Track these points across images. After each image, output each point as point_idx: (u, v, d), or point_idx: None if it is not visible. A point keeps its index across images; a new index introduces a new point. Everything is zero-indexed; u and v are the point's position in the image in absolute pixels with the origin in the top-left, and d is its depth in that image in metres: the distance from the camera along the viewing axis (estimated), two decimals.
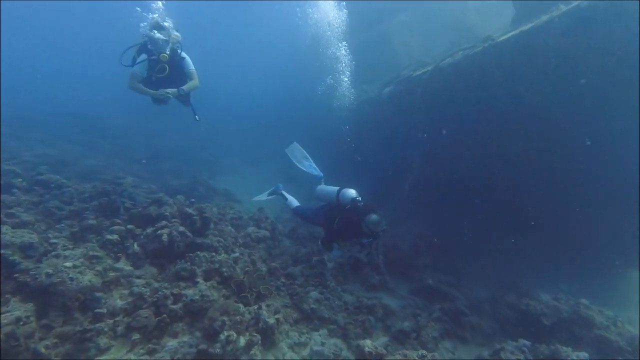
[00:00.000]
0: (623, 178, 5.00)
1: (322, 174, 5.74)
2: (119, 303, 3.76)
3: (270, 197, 6.29)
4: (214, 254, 4.71)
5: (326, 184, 5.50)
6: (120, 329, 3.47)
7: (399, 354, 3.67)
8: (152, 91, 5.09)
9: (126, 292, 3.97)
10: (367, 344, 3.70)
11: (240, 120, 23.46)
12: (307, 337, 4.48)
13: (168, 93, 5.07)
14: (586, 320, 4.39)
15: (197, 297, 3.92)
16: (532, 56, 4.86)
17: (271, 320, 4.03)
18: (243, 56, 41.63)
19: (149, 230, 4.78)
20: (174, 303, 3.85)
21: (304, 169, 5.90)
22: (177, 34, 5.14)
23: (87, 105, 22.92)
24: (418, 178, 7.79)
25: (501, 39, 5.45)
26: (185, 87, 5.26)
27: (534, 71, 4.97)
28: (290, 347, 4.23)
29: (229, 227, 6.08)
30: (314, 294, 5.16)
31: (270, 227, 7.01)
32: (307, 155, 6.00)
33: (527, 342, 4.24)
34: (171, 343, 3.46)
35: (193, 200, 5.60)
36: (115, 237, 4.57)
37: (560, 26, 4.41)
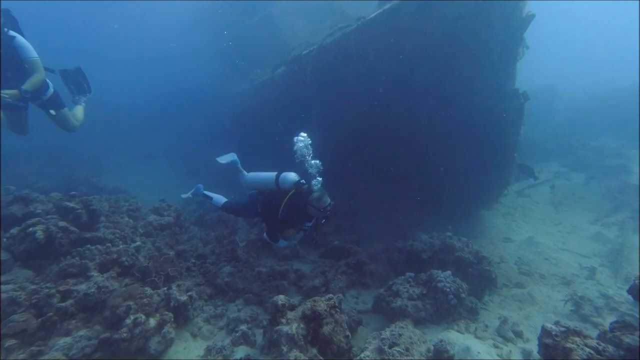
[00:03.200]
0: (476, 142, 6.28)
1: (236, 156, 5.45)
2: None
3: (197, 198, 5.73)
4: (109, 244, 4.36)
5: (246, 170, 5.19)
6: None
7: (309, 301, 4.07)
8: None
9: None
10: (280, 298, 4.00)
11: (125, 118, 20.93)
12: (223, 308, 4.58)
13: (5, 95, 3.94)
14: (449, 247, 5.54)
15: (92, 290, 3.62)
16: (392, 30, 5.69)
17: (183, 298, 4.01)
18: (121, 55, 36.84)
19: (14, 230, 4.09)
20: (62, 301, 3.48)
21: (222, 161, 5.50)
22: None
23: None
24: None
25: (370, 17, 6.19)
26: (27, 86, 4.13)
27: (397, 42, 5.83)
28: (206, 320, 4.28)
29: (126, 219, 5.63)
30: (227, 268, 5.24)
31: (174, 213, 6.70)
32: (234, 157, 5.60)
33: (411, 274, 5.12)
34: (63, 341, 3.17)
35: (74, 193, 4.94)
36: None
37: (410, 5, 5.29)
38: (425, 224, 7.73)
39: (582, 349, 2.50)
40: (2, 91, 3.96)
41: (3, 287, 3.29)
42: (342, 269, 6.22)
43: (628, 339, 2.47)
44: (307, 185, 4.31)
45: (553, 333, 2.70)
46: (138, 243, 4.84)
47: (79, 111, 5.63)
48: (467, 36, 5.10)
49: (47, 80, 4.76)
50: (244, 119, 12.13)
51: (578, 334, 2.67)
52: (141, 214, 6.47)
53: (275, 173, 4.58)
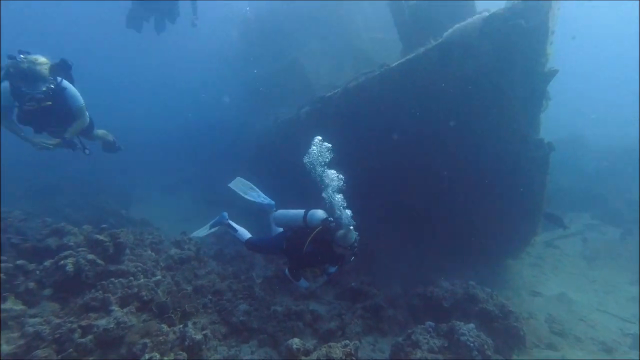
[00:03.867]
0: (500, 188, 6.21)
1: (273, 202, 5.41)
2: (6, 348, 3.31)
3: (214, 229, 5.69)
4: (131, 278, 4.46)
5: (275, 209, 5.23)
6: None
7: (325, 346, 3.96)
8: (29, 138, 4.38)
9: (16, 334, 3.50)
10: (295, 342, 3.92)
11: (151, 148, 22.01)
12: (237, 350, 4.51)
13: (49, 145, 4.39)
14: (472, 297, 5.30)
15: (111, 326, 3.67)
16: (416, 78, 5.89)
17: (198, 337, 3.98)
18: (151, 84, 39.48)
19: (48, 263, 4.29)
20: (82, 336, 3.53)
21: (252, 199, 5.55)
22: (43, 59, 4.15)
23: None
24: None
25: (393, 65, 6.45)
26: (69, 134, 4.57)
27: (419, 90, 6.01)
28: None
29: (149, 252, 5.77)
30: (243, 306, 5.20)
31: (194, 247, 6.81)
32: (253, 186, 5.71)
33: (432, 323, 4.90)
34: None
35: (105, 226, 5.18)
36: None
37: (433, 55, 5.50)
38: (447, 269, 7.47)
39: None
40: (46, 142, 4.40)
41: (30, 320, 3.41)
42: (359, 312, 6.05)
43: None
44: (334, 223, 4.30)
45: None
46: (158, 277, 4.92)
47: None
48: (489, 87, 5.22)
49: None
50: (266, 153, 12.51)
51: None
52: (163, 246, 6.63)
53: (303, 210, 4.58)
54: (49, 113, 4.30)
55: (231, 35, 17.65)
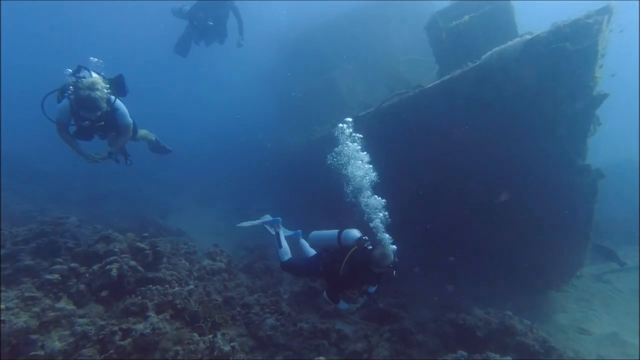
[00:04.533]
0: (540, 214, 5.92)
1: (279, 218, 5.24)
2: (58, 345, 3.57)
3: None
4: (167, 286, 4.68)
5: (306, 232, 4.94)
6: None
7: None
8: (81, 151, 4.54)
9: (67, 332, 3.78)
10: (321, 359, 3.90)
11: (191, 160, 23.03)
12: None
13: (96, 158, 4.56)
14: (510, 329, 5.00)
15: (148, 331, 3.86)
16: (452, 99, 5.84)
17: (226, 348, 4.07)
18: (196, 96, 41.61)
19: (96, 267, 4.62)
20: (122, 339, 3.74)
21: (261, 221, 5.32)
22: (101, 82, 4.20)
23: (9, 140, 20.55)
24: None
25: (428, 86, 6.44)
26: (115, 148, 4.74)
27: (455, 112, 5.94)
28: None
29: (183, 261, 6.03)
30: (270, 321, 5.25)
31: (225, 259, 7.02)
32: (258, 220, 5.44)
33: (464, 353, 4.68)
34: None
35: (146, 234, 5.48)
36: (56, 276, 4.32)
37: (469, 77, 5.44)
38: (481, 296, 7.11)
39: None
40: (95, 156, 4.59)
41: (79, 320, 3.66)
42: (386, 335, 5.89)
43: None
44: (370, 242, 4.16)
45: None
46: (191, 286, 5.12)
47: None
48: (528, 110, 5.07)
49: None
50: (298, 169, 12.74)
51: None
52: (197, 257, 6.88)
53: (337, 230, 4.44)
54: (100, 129, 4.54)
55: (270, 54, 18.37)
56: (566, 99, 4.69)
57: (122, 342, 3.56)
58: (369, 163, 4.99)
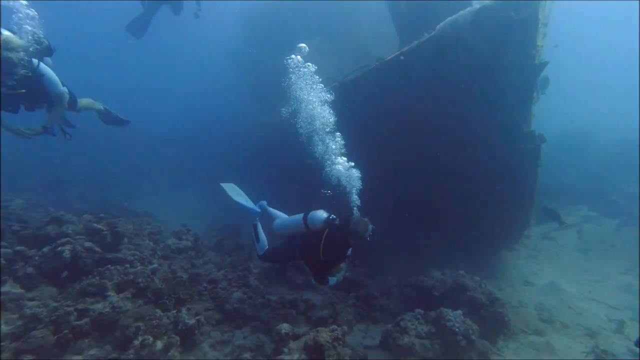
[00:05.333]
0: (492, 179, 6.25)
1: (259, 210, 4.93)
2: (4, 329, 3.45)
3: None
4: (127, 266, 4.62)
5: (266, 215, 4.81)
6: (5, 355, 3.20)
7: (313, 331, 4.09)
8: (6, 125, 3.97)
9: (14, 316, 3.65)
10: (284, 327, 4.06)
11: (163, 144, 22.12)
12: (230, 335, 4.65)
13: (27, 133, 4.04)
14: (462, 286, 5.40)
15: (107, 310, 3.83)
16: (410, 71, 5.92)
17: (191, 322, 4.14)
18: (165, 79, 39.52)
19: (46, 249, 4.43)
20: (78, 319, 3.68)
21: (240, 202, 5.00)
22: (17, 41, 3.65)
23: None
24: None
25: (388, 58, 6.49)
26: (49, 122, 4.18)
27: (413, 84, 6.05)
28: (212, 346, 4.36)
29: (147, 241, 5.94)
30: (237, 294, 5.35)
31: (192, 238, 6.97)
32: (243, 194, 5.22)
33: (421, 311, 5.02)
34: (75, 359, 3.34)
35: (102, 215, 5.31)
36: None
37: (426, 49, 5.53)
38: (443, 261, 7.56)
39: None
40: (26, 131, 4.08)
41: (29, 303, 3.57)
42: (351, 301, 6.18)
43: None
44: (338, 220, 4.07)
45: None
46: (155, 265, 5.08)
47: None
48: (483, 80, 5.25)
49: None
50: (268, 149, 12.62)
51: None
52: (162, 237, 6.80)
53: (301, 215, 4.25)
54: (24, 98, 3.98)
55: (236, 31, 17.67)
56: (514, 68, 4.89)
57: (79, 322, 3.53)
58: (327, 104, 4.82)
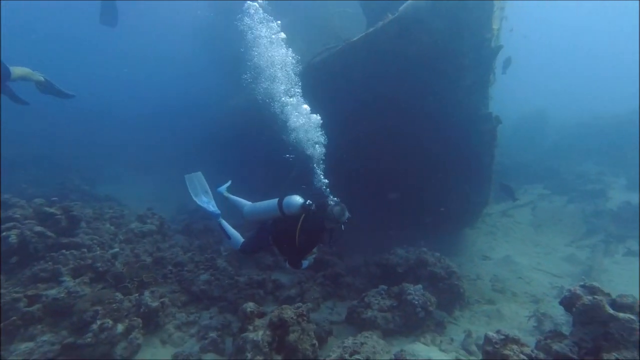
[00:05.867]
0: (455, 162, 6.50)
1: (219, 212, 4.77)
2: None
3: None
4: (85, 250, 4.46)
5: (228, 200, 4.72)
6: None
7: (278, 308, 4.17)
8: None
9: None
10: (249, 305, 4.10)
11: (127, 125, 21.12)
12: (196, 316, 4.65)
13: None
14: (423, 262, 5.68)
15: (62, 295, 3.69)
16: (375, 52, 5.96)
17: (154, 304, 4.09)
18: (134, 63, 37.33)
19: None
20: (29, 305, 3.53)
21: (199, 204, 4.79)
22: None
23: None
24: (302, 166, 8.58)
25: (353, 39, 6.48)
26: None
27: (378, 65, 6.10)
28: (178, 327, 4.35)
29: (107, 225, 5.74)
30: (204, 276, 5.32)
31: (157, 222, 6.80)
32: (208, 190, 4.97)
33: (384, 287, 5.23)
34: (25, 345, 3.22)
35: (55, 199, 5.03)
36: None
37: (390, 30, 5.57)
38: (409, 240, 7.86)
39: (517, 355, 2.64)
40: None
41: None
42: (319, 280, 6.32)
43: (556, 346, 2.62)
44: (314, 205, 4.01)
45: (493, 341, 2.84)
46: (116, 249, 4.94)
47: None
48: (442, 61, 5.38)
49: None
50: (238, 131, 12.37)
51: (516, 342, 2.81)
52: (124, 221, 6.58)
53: (276, 200, 4.15)
54: None
55: (203, 9, 16.89)
56: (470, 50, 5.05)
57: (29, 309, 3.40)
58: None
